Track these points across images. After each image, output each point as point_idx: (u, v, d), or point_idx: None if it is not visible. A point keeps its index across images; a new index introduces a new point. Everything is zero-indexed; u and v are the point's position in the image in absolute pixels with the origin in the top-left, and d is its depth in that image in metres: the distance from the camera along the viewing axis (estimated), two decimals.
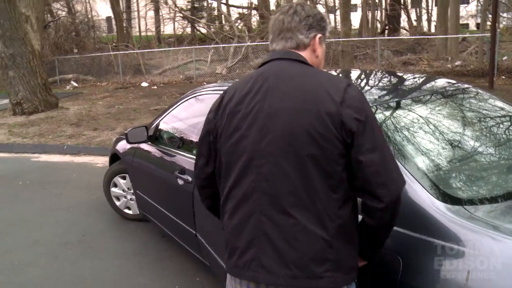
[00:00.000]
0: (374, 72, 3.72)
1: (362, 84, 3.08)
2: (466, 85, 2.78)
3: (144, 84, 17.04)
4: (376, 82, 3.12)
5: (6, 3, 10.33)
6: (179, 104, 3.65)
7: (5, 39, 10.69)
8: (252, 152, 1.46)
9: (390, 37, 18.66)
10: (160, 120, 3.82)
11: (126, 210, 4.53)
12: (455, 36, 15.46)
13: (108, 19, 30.83)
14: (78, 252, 3.98)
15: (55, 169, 6.94)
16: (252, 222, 1.45)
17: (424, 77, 3.30)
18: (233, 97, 1.55)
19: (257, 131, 1.45)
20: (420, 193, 1.74)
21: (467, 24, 28.78)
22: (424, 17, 27.08)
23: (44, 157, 7.75)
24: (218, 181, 1.63)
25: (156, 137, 3.78)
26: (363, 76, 3.41)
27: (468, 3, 26.93)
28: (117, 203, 4.56)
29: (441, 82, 2.95)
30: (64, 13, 25.01)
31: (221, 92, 3.03)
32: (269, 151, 1.43)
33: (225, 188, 1.55)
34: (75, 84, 18.24)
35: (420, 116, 2.29)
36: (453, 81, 2.92)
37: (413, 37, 18.57)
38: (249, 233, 1.46)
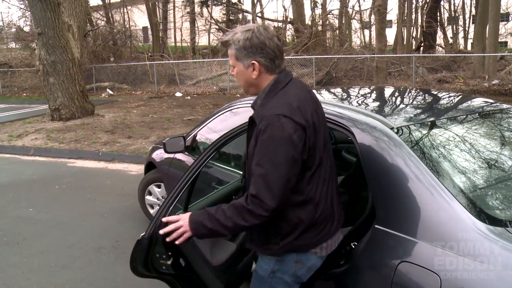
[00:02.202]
0: (409, 89, 3.69)
1: (398, 101, 3.07)
2: (505, 105, 2.74)
3: (178, 94, 17.32)
4: (414, 100, 3.10)
5: (51, 13, 10.71)
6: (216, 117, 3.70)
7: (48, 47, 11.09)
8: (323, 150, 1.89)
9: (425, 54, 18.40)
10: (198, 131, 3.88)
11: None
12: (494, 54, 15.12)
13: (145, 29, 31.49)
14: (111, 258, 4.06)
15: (89, 174, 7.12)
16: (330, 198, 1.91)
17: (462, 96, 3.26)
18: (306, 109, 1.81)
19: (323, 133, 1.91)
20: (459, 213, 1.72)
21: (506, 42, 28.19)
22: (461, 34, 26.67)
23: (79, 163, 7.97)
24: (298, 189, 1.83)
25: (193, 147, 3.84)
26: (397, 93, 3.39)
27: (508, 20, 26.38)
28: (151, 211, 4.62)
29: (478, 101, 2.92)
30: (103, 22, 25.74)
31: None
32: (328, 146, 1.95)
33: (315, 184, 1.84)
34: (110, 92, 18.69)
35: (459, 136, 2.27)
36: (491, 101, 2.88)
37: (449, 54, 18.18)
38: (331, 206, 1.92)
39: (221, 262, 2.46)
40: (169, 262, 2.20)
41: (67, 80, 11.52)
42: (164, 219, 1.95)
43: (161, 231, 1.92)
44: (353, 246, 2.04)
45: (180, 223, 1.86)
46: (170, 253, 2.19)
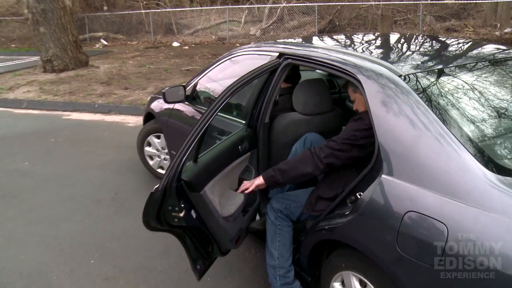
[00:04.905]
0: (416, 36, 3.57)
1: (405, 48, 2.97)
2: None
3: (175, 44, 17.00)
4: (421, 47, 3.00)
5: None
6: (217, 65, 3.60)
7: None
8: None
9: (433, 1, 17.74)
10: (198, 80, 3.78)
11: (159, 170, 4.54)
12: (508, 0, 14.24)
13: None
14: (111, 210, 4.04)
15: (86, 127, 7.03)
16: None
17: (472, 42, 3.15)
18: None
19: None
20: (468, 162, 1.67)
21: None
22: None
23: (75, 115, 7.85)
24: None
25: (193, 97, 3.75)
26: (404, 40, 3.28)
27: None
28: (150, 162, 4.57)
29: (490, 47, 2.81)
30: None
31: (259, 53, 3.00)
32: None
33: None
34: (105, 42, 18.31)
35: (469, 84, 2.19)
36: (503, 47, 2.77)
37: (459, 1, 17.41)
38: None
39: (230, 213, 2.46)
40: (181, 215, 2.24)
41: (59, 29, 11.13)
42: (242, 188, 2.52)
43: (240, 190, 2.54)
44: (359, 196, 2.00)
45: (255, 181, 2.44)
46: (183, 205, 2.23)
